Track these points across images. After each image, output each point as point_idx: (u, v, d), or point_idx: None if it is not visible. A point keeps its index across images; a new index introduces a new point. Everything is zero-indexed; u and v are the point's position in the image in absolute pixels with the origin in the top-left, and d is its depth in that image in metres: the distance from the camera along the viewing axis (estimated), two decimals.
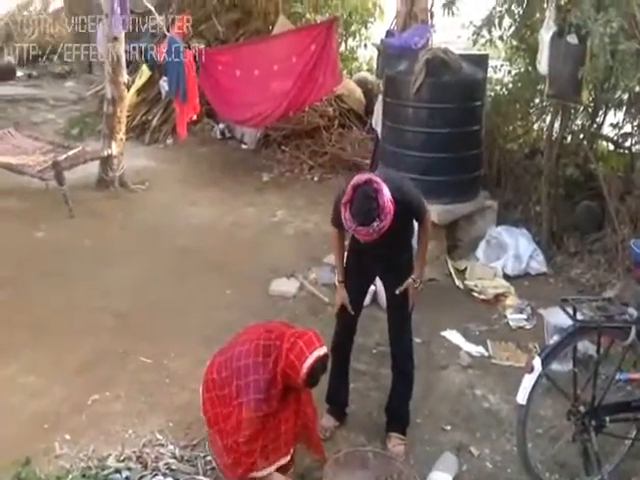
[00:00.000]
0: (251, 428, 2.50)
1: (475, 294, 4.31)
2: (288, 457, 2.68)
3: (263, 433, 2.54)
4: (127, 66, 6.08)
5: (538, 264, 4.60)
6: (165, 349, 3.60)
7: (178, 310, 4.04)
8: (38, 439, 2.89)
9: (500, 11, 5.09)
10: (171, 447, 2.86)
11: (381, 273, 3.05)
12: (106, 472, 2.64)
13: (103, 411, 3.11)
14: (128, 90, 6.09)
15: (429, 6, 5.60)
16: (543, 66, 4.46)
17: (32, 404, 3.13)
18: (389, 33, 5.92)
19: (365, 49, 8.50)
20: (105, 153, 5.93)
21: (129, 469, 2.68)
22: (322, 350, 2.51)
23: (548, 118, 5.17)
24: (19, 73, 10.45)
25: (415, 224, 2.93)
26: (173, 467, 2.73)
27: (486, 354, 3.71)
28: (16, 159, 5.74)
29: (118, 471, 2.66)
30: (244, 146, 7.30)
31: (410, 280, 2.89)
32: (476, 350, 3.72)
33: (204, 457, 2.79)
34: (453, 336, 3.85)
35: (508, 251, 4.58)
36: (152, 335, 3.75)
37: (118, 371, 3.41)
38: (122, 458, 2.76)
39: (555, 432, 2.97)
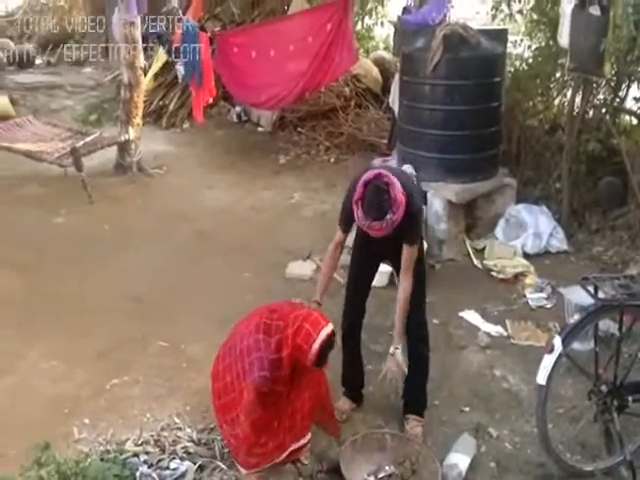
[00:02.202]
0: (258, 411, 2.48)
1: (494, 274, 4.25)
2: (306, 439, 2.68)
3: (278, 421, 2.54)
4: (144, 50, 6.06)
5: (558, 242, 4.53)
6: (183, 333, 3.63)
7: (196, 294, 4.06)
8: (58, 423, 2.93)
9: None
10: (189, 431, 2.87)
11: (389, 258, 3.01)
12: (124, 456, 2.67)
13: (122, 395, 3.15)
14: (145, 75, 6.08)
15: None
16: (564, 39, 4.33)
17: (52, 388, 3.18)
18: (406, 10, 5.84)
19: (382, 27, 8.36)
20: (122, 138, 5.95)
21: (147, 453, 2.71)
22: (329, 328, 2.49)
23: (569, 93, 5.04)
24: (38, 61, 10.52)
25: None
26: (190, 450, 2.75)
27: (505, 334, 3.66)
28: (35, 146, 5.78)
29: (136, 455, 2.68)
30: (260, 129, 7.28)
31: (397, 353, 2.76)
32: (495, 330, 3.68)
33: (221, 440, 2.80)
34: (471, 316, 3.80)
35: (528, 229, 4.51)
36: (170, 319, 3.78)
37: (137, 355, 3.44)
38: (140, 442, 2.78)
39: (576, 412, 2.92)
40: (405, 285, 2.75)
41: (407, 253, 2.73)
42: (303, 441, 2.67)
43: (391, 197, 2.48)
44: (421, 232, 2.84)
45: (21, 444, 2.63)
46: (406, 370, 2.81)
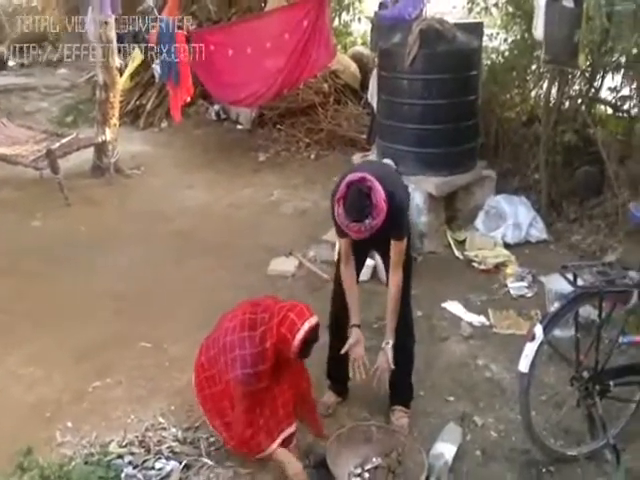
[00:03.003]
0: (244, 403, 2.50)
1: (475, 264, 4.28)
2: (293, 427, 2.68)
3: (260, 409, 2.54)
4: (119, 50, 5.99)
5: (538, 232, 4.57)
6: (164, 333, 3.59)
7: (176, 293, 4.03)
8: (40, 428, 2.88)
9: None
10: (173, 430, 2.85)
11: (377, 250, 3.02)
12: (109, 458, 2.64)
13: (104, 397, 3.11)
14: (121, 75, 6.02)
15: None
16: (539, 31, 4.36)
17: (33, 394, 3.13)
18: (382, 5, 5.82)
19: (359, 23, 8.36)
20: (99, 139, 5.88)
21: (132, 454, 2.68)
22: (314, 319, 2.50)
23: (545, 85, 5.09)
24: (11, 63, 10.35)
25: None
26: (176, 450, 2.72)
27: (487, 324, 3.68)
28: (10, 149, 5.70)
29: (121, 456, 2.65)
30: (239, 127, 7.24)
31: (387, 348, 2.77)
32: (477, 320, 3.70)
33: (207, 439, 2.78)
34: (454, 307, 3.82)
35: (507, 220, 4.54)
36: (152, 320, 3.74)
37: (118, 357, 3.40)
38: (125, 443, 2.75)
39: (559, 398, 2.95)
40: (395, 280, 2.75)
41: (395, 248, 2.73)
42: (289, 429, 2.66)
43: (372, 203, 2.49)
44: (408, 227, 2.82)
45: (2, 450, 2.58)
46: (392, 365, 2.81)
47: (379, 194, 2.51)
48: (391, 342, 2.80)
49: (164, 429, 2.87)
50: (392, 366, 2.80)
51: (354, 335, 2.81)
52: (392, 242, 2.73)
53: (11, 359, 3.38)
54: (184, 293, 4.03)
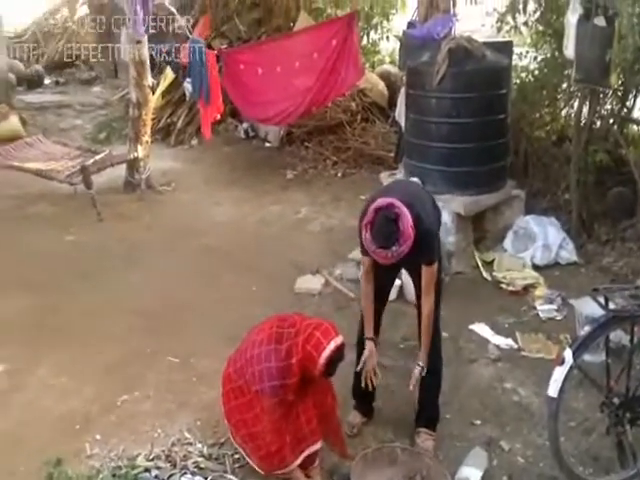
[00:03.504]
0: (273, 416, 2.52)
1: (503, 286, 4.23)
2: (317, 445, 2.67)
3: (285, 424, 2.55)
4: (151, 69, 6.14)
5: (568, 253, 4.50)
6: (192, 348, 3.64)
7: (205, 309, 4.08)
8: (69, 439, 2.94)
9: None
10: (199, 445, 2.88)
11: (407, 269, 3.02)
12: (136, 471, 2.68)
13: (132, 411, 3.16)
14: (153, 93, 6.15)
15: None
16: (570, 50, 4.34)
17: (63, 405, 3.19)
18: (411, 24, 5.85)
19: (387, 41, 8.44)
20: (131, 156, 6.01)
21: (158, 468, 2.71)
22: (339, 339, 2.52)
23: (576, 104, 5.04)
24: (46, 81, 10.69)
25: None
26: (201, 465, 2.75)
27: (515, 347, 3.64)
28: (45, 165, 5.85)
29: (147, 470, 2.69)
30: (268, 144, 7.33)
31: (416, 370, 2.82)
32: (505, 343, 3.65)
33: (232, 455, 2.80)
34: (481, 329, 3.79)
35: (537, 241, 4.48)
36: (179, 334, 3.79)
37: (147, 371, 3.45)
38: (151, 457, 2.79)
39: (588, 425, 2.89)
40: (427, 306, 2.77)
41: (427, 273, 2.74)
42: (313, 447, 2.66)
43: (399, 229, 2.50)
44: (439, 250, 2.81)
45: (31, 461, 2.65)
46: (411, 387, 2.83)
47: (406, 221, 2.51)
48: (421, 366, 2.81)
49: (190, 444, 2.90)
50: (411, 388, 2.83)
51: (368, 348, 2.86)
52: (423, 267, 2.73)
53: (43, 370, 3.46)
54: (212, 309, 4.07)
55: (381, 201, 2.58)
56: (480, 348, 3.63)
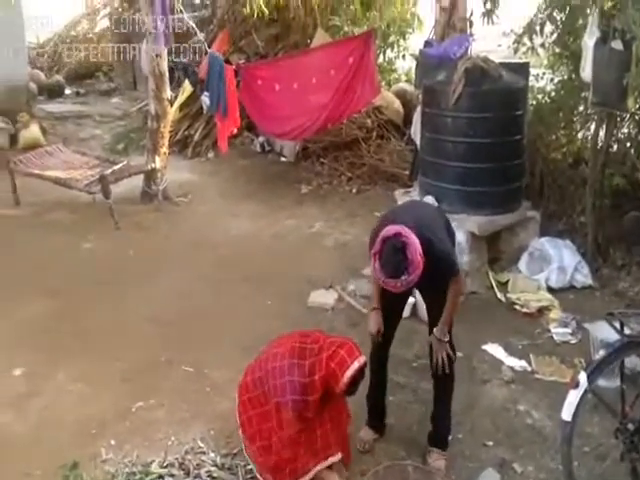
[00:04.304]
0: (293, 428, 2.54)
1: (517, 307, 4.21)
2: (329, 461, 2.66)
3: (301, 439, 2.57)
4: (170, 82, 6.23)
5: (583, 277, 4.47)
6: (206, 358, 3.67)
7: (219, 320, 4.11)
8: (85, 444, 2.98)
9: (541, 18, 5.01)
10: (212, 455, 2.91)
11: (419, 288, 3.03)
12: (149, 478, 2.71)
13: (147, 418, 3.19)
14: (171, 106, 6.23)
15: (468, 15, 5.55)
16: (587, 73, 4.37)
17: (79, 410, 3.24)
18: (427, 43, 5.89)
19: (403, 60, 8.50)
20: (149, 167, 6.09)
21: (172, 475, 2.75)
22: (362, 359, 2.55)
23: (593, 126, 5.04)
24: (67, 91, 10.86)
25: None
26: (214, 475, 2.78)
27: (529, 369, 3.62)
28: (64, 173, 5.94)
29: (161, 477, 2.73)
30: (283, 159, 7.38)
31: (432, 337, 2.84)
32: (519, 364, 3.64)
33: (245, 466, 2.82)
34: (495, 350, 3.78)
35: (552, 263, 4.47)
36: (194, 344, 3.82)
37: (162, 379, 3.49)
38: (165, 464, 2.83)
39: (602, 450, 2.87)
40: (454, 287, 2.77)
41: (455, 286, 2.77)
42: (325, 463, 2.66)
43: (408, 259, 2.50)
44: (456, 264, 2.80)
45: (47, 464, 2.69)
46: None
47: (415, 249, 2.51)
48: (439, 337, 2.80)
49: (203, 453, 2.93)
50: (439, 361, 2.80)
51: (374, 315, 2.88)
52: (451, 281, 2.75)
53: (60, 375, 3.52)
54: (226, 320, 4.11)
55: (389, 230, 2.58)
56: (493, 369, 3.63)
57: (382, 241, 2.56)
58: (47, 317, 4.09)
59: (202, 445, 2.97)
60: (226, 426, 3.05)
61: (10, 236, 5.31)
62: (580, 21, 4.87)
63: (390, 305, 2.94)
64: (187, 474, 2.76)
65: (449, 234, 2.94)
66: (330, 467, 2.68)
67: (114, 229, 5.50)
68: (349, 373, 2.48)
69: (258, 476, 2.72)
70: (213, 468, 2.80)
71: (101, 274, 4.70)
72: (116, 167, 6.01)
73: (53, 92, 10.46)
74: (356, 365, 2.50)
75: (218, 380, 3.46)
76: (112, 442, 3.00)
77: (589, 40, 4.30)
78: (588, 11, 4.59)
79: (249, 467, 2.80)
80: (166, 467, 2.80)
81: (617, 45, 4.11)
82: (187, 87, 6.64)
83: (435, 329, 2.82)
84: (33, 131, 7.70)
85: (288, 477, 2.61)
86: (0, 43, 7.32)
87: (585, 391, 2.55)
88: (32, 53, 10.89)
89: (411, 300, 3.83)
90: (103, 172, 5.81)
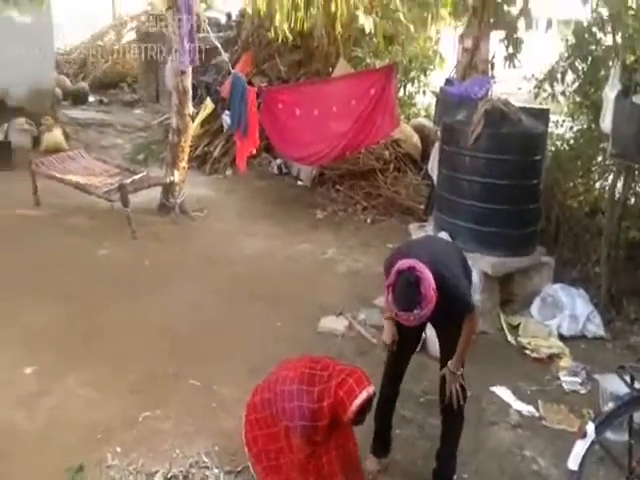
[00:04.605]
0: (302, 452, 2.55)
1: (528, 352, 4.20)
2: None
3: (309, 464, 2.57)
4: (192, 99, 6.32)
5: (595, 327, 4.45)
6: (214, 374, 3.68)
7: (230, 335, 4.14)
8: (92, 448, 3.00)
9: (563, 66, 5.09)
10: (216, 471, 2.91)
11: (432, 323, 3.04)
12: None
13: (153, 428, 3.20)
14: (192, 121, 6.32)
15: (490, 57, 5.65)
16: (607, 124, 4.42)
17: (88, 414, 3.26)
18: (448, 81, 5.97)
19: (423, 95, 8.63)
20: (168, 180, 6.16)
21: None
22: (371, 389, 2.55)
23: (611, 177, 5.06)
24: (91, 99, 11.03)
25: None
26: None
27: (537, 415, 3.60)
28: (85, 179, 6.02)
29: None
30: (300, 183, 7.45)
31: (446, 369, 2.85)
32: (527, 410, 3.62)
33: None
34: (503, 393, 3.76)
35: (564, 310, 4.45)
36: (203, 359, 3.84)
37: (169, 391, 3.50)
38: (169, 476, 2.84)
39: None
40: (469, 324, 2.78)
41: (469, 323, 2.77)
42: None
43: (421, 293, 2.53)
44: (470, 301, 2.80)
45: (53, 466, 2.70)
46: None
47: (428, 284, 2.54)
48: (453, 370, 2.81)
49: (207, 468, 2.94)
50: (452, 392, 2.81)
51: (388, 325, 2.91)
52: (465, 318, 2.76)
53: (71, 378, 3.55)
54: (236, 337, 4.13)
55: (403, 263, 2.60)
56: (501, 411, 3.61)
57: (396, 274, 2.59)
58: (60, 318, 4.12)
59: (206, 460, 2.98)
60: (230, 444, 3.05)
61: (27, 236, 5.37)
62: (602, 72, 4.94)
63: (403, 340, 2.96)
64: None
65: (465, 271, 2.96)
66: None
67: (131, 238, 5.55)
68: (357, 402, 2.49)
69: None
70: None
71: (116, 280, 4.74)
72: (136, 177, 6.08)
73: (77, 98, 10.63)
74: (364, 395, 2.50)
75: (225, 397, 3.47)
76: (118, 449, 3.01)
77: (610, 92, 4.36)
78: (610, 63, 4.67)
79: None
80: (170, 479, 2.81)
81: (638, 99, 4.17)
82: (209, 104, 6.74)
83: (449, 362, 2.83)
84: (56, 135, 7.81)
85: None
86: (29, 47, 7.45)
87: (592, 442, 2.55)
88: (59, 59, 11.10)
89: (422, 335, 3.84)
90: (123, 181, 5.88)
